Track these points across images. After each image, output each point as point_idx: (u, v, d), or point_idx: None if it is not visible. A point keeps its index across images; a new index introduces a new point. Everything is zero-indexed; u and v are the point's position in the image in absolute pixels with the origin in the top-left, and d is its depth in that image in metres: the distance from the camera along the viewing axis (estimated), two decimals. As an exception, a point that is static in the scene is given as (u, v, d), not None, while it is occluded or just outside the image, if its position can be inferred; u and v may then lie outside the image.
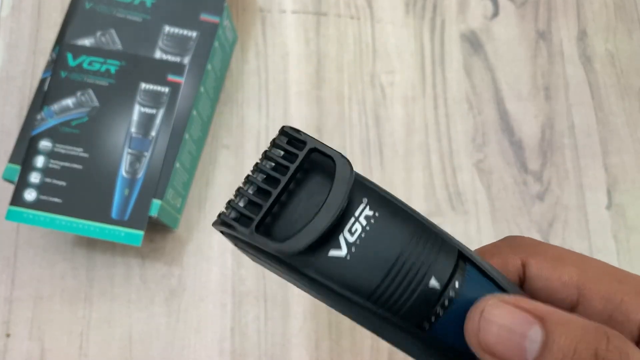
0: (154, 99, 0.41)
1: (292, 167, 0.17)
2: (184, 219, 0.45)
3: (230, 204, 0.17)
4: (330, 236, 0.16)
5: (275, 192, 0.17)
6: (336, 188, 0.16)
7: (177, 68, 0.42)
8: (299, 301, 0.43)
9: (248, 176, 0.18)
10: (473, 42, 0.51)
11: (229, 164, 0.47)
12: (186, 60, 0.42)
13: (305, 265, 0.17)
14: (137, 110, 0.41)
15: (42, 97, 0.41)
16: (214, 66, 0.45)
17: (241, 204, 0.17)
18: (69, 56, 0.42)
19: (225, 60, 0.48)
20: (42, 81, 0.42)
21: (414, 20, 0.52)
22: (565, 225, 0.46)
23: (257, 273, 0.44)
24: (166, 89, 0.42)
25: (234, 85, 0.49)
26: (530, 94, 0.50)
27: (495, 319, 0.15)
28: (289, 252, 0.16)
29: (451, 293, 0.16)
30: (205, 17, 0.43)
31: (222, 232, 0.18)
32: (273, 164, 0.18)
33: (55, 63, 0.42)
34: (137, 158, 0.40)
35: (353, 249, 0.16)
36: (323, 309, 0.43)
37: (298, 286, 0.18)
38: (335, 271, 0.16)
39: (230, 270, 0.44)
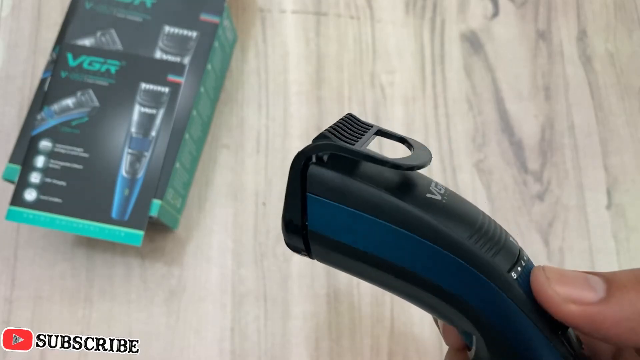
0: (154, 99, 0.41)
1: (373, 129, 0.18)
2: (184, 219, 0.45)
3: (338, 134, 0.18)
4: (423, 184, 0.17)
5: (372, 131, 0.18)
6: (418, 148, 0.18)
7: (177, 68, 0.42)
8: (299, 301, 0.44)
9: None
10: (473, 42, 0.51)
11: (229, 164, 0.47)
12: (186, 60, 0.42)
13: (407, 198, 0.17)
14: (137, 110, 0.41)
15: (42, 97, 0.41)
16: (214, 66, 0.45)
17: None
18: (69, 56, 0.42)
19: (225, 60, 0.48)
20: (42, 81, 0.42)
21: (414, 20, 0.52)
22: (565, 225, 0.46)
23: (257, 273, 0.44)
24: (166, 89, 0.42)
25: (234, 85, 0.49)
26: (530, 94, 0.50)
27: (555, 268, 0.17)
28: (405, 166, 0.16)
29: (525, 256, 0.17)
30: (205, 17, 0.43)
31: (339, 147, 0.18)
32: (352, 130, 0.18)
33: (56, 63, 0.42)
34: (137, 158, 0.40)
35: (444, 200, 0.17)
36: (323, 309, 0.43)
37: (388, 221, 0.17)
38: (435, 209, 0.17)
39: (230, 271, 0.44)
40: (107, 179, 0.40)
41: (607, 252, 0.46)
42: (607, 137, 0.49)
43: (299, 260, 0.44)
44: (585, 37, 0.52)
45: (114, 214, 0.39)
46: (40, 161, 0.40)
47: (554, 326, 0.17)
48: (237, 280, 0.44)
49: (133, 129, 0.41)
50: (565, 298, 0.16)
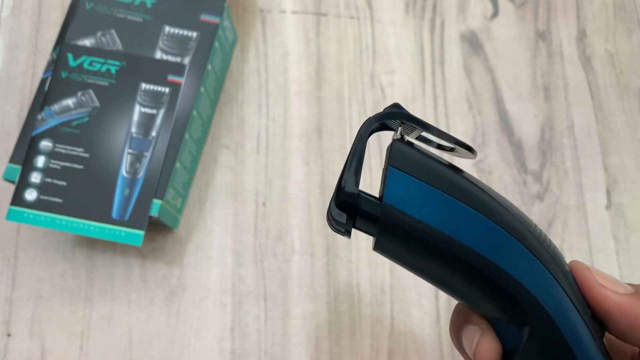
0: (155, 99, 0.41)
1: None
2: (184, 218, 0.45)
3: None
4: (481, 182, 0.19)
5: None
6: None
7: (178, 68, 0.42)
8: (299, 301, 0.44)
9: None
10: (473, 43, 0.52)
11: (229, 164, 0.47)
12: (186, 60, 0.42)
13: (480, 186, 0.18)
14: (137, 110, 0.41)
15: (43, 97, 0.41)
16: (214, 66, 0.45)
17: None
18: (70, 56, 0.42)
19: (226, 60, 0.48)
20: (43, 81, 0.42)
21: (414, 20, 0.52)
22: (564, 225, 0.46)
23: (257, 273, 0.44)
24: (166, 89, 0.42)
25: (234, 85, 0.49)
26: (530, 94, 0.50)
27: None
28: (465, 144, 0.18)
29: (567, 265, 0.18)
30: (205, 17, 0.44)
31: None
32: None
33: (56, 63, 0.42)
34: (137, 158, 0.40)
35: (502, 197, 0.19)
36: (323, 309, 0.43)
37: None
38: (501, 200, 0.19)
39: (230, 270, 0.44)
40: (107, 179, 0.40)
41: (607, 252, 0.46)
42: (607, 137, 0.49)
43: (299, 260, 0.45)
44: (584, 37, 0.52)
45: (115, 214, 0.39)
46: (40, 161, 0.40)
47: (597, 326, 0.18)
48: (237, 280, 0.44)
49: (133, 129, 0.41)
50: (604, 287, 0.18)
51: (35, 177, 0.39)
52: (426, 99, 0.50)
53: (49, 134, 0.40)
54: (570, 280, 0.18)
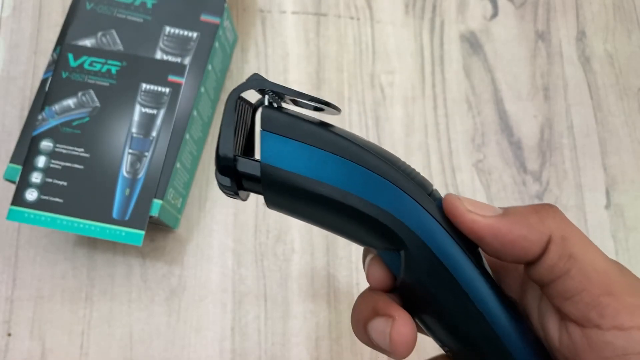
0: (155, 99, 0.42)
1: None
2: (185, 218, 0.45)
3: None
4: (349, 132, 0.21)
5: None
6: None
7: (178, 68, 0.42)
8: (299, 301, 0.44)
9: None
10: (472, 43, 0.52)
11: (229, 164, 0.47)
12: (187, 60, 0.42)
13: (342, 134, 0.20)
14: (137, 110, 0.41)
15: (43, 98, 0.41)
16: (215, 66, 0.45)
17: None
18: (70, 56, 0.42)
19: (226, 60, 0.48)
20: (43, 81, 0.42)
21: (414, 20, 0.52)
22: (564, 225, 0.46)
23: (257, 273, 0.44)
24: (167, 90, 0.42)
25: (234, 85, 0.49)
26: (530, 94, 0.50)
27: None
28: (323, 100, 0.20)
29: (438, 193, 0.21)
30: (205, 17, 0.44)
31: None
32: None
33: (57, 63, 0.42)
34: (137, 158, 0.40)
35: (371, 142, 0.21)
36: (323, 309, 0.44)
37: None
38: (367, 145, 0.20)
39: (231, 270, 0.44)
40: (108, 179, 0.40)
41: (606, 252, 0.45)
42: (606, 137, 0.49)
43: (299, 260, 0.45)
44: (584, 37, 0.52)
45: (115, 213, 0.39)
46: (41, 161, 0.40)
47: (468, 244, 0.20)
48: (237, 279, 0.44)
49: (134, 129, 0.41)
50: (472, 212, 0.19)
51: (36, 177, 0.39)
52: (426, 99, 0.50)
53: (50, 134, 0.40)
54: (438, 205, 0.20)
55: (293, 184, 0.20)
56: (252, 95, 0.22)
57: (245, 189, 0.21)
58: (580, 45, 0.52)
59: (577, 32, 0.53)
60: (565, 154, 0.49)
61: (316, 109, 0.21)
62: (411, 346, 0.19)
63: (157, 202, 0.40)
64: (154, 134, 0.41)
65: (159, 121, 0.41)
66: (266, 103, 0.21)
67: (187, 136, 0.42)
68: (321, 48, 0.51)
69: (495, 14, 0.53)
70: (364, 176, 0.19)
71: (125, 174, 0.40)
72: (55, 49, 0.43)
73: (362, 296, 0.22)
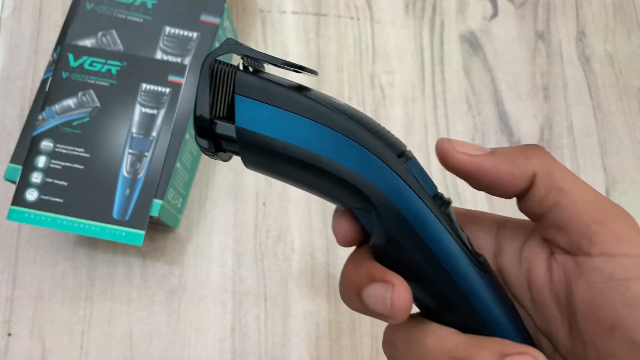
0: (155, 99, 0.42)
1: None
2: (185, 218, 0.45)
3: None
4: (325, 95, 0.22)
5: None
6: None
7: (178, 68, 0.42)
8: (299, 300, 0.44)
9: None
10: (472, 43, 0.52)
11: (229, 164, 0.47)
12: (187, 60, 0.43)
13: (314, 98, 0.21)
14: (138, 110, 0.41)
15: (44, 98, 0.41)
16: (215, 67, 0.45)
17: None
18: (70, 57, 0.42)
19: (226, 60, 0.48)
20: (44, 81, 0.43)
21: (414, 20, 0.52)
22: (564, 225, 0.46)
23: (257, 273, 0.44)
24: (167, 90, 0.42)
25: (234, 85, 0.49)
26: (529, 94, 0.50)
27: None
28: (297, 65, 0.21)
29: (412, 155, 0.21)
30: (205, 17, 0.44)
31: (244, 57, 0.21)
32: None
33: (57, 63, 0.42)
34: (138, 158, 0.40)
35: (346, 105, 0.22)
36: (323, 308, 0.44)
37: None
38: (340, 108, 0.21)
39: (231, 270, 0.44)
40: (108, 179, 0.40)
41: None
42: (606, 137, 0.49)
43: (299, 260, 0.45)
44: (584, 37, 0.52)
45: (115, 213, 0.39)
46: (41, 161, 0.40)
47: (436, 201, 0.21)
48: (237, 279, 0.44)
49: (134, 129, 0.41)
50: (460, 151, 0.21)
51: (36, 177, 0.39)
52: (426, 99, 0.50)
53: (50, 134, 0.40)
54: (406, 165, 0.20)
55: (266, 147, 0.20)
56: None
57: (224, 151, 0.22)
58: (580, 46, 0.52)
59: (577, 32, 0.53)
60: (565, 154, 0.49)
61: (296, 71, 0.22)
62: (410, 309, 0.20)
63: (157, 202, 0.40)
64: (154, 134, 0.41)
65: (159, 121, 0.41)
66: (241, 67, 0.21)
67: (187, 136, 0.42)
68: (321, 48, 0.51)
69: (495, 14, 0.53)
70: (334, 139, 0.20)
71: (125, 174, 0.40)
72: (55, 49, 0.43)
73: (351, 263, 0.22)
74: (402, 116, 0.49)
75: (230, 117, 0.21)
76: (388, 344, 0.22)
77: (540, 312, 0.21)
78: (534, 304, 0.21)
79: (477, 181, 0.21)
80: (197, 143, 0.22)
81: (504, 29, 0.52)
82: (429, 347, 0.20)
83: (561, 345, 0.21)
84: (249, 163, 0.22)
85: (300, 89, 0.21)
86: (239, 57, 0.21)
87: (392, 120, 0.49)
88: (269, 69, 0.22)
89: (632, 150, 0.49)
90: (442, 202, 0.21)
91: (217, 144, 0.22)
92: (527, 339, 0.21)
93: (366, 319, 0.43)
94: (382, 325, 0.43)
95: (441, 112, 0.49)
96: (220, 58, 0.21)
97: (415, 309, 0.22)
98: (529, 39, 0.52)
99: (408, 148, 0.22)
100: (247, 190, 0.46)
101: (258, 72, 0.22)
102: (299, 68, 0.21)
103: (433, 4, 0.53)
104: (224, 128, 0.21)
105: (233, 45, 0.21)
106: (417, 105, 0.49)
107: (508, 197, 0.21)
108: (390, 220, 0.20)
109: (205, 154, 0.22)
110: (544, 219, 0.20)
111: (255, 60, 0.21)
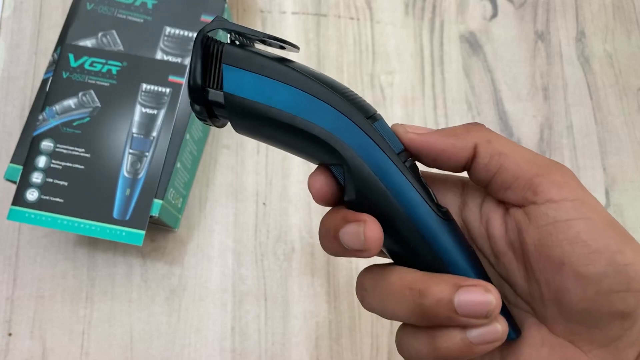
0: (155, 100, 0.42)
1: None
2: (185, 218, 0.45)
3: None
4: (302, 65, 0.24)
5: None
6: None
7: (178, 69, 0.42)
8: (299, 300, 0.44)
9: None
10: (472, 43, 0.52)
11: (230, 164, 0.47)
12: (187, 61, 0.43)
13: (292, 66, 0.24)
14: (138, 110, 0.41)
15: (44, 98, 0.41)
16: (215, 67, 0.45)
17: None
18: (71, 57, 0.42)
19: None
20: (44, 82, 0.43)
21: (414, 21, 0.52)
22: (563, 225, 0.46)
23: (257, 272, 0.44)
24: (167, 90, 0.42)
25: (234, 85, 0.49)
26: (529, 95, 0.50)
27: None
28: (280, 38, 0.24)
29: (381, 117, 0.24)
30: (205, 18, 0.44)
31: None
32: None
33: (57, 64, 0.42)
34: (138, 158, 0.41)
35: (320, 73, 0.24)
36: (323, 308, 0.44)
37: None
38: (314, 75, 0.23)
39: (231, 270, 0.44)
40: (108, 179, 0.40)
41: (606, 252, 0.46)
42: (606, 137, 0.49)
43: (299, 260, 0.45)
44: (583, 37, 0.52)
45: (116, 213, 0.39)
46: (41, 161, 0.40)
47: (401, 157, 0.23)
48: (237, 279, 0.44)
49: (134, 129, 0.41)
50: (409, 131, 0.23)
51: (37, 177, 0.40)
52: (426, 99, 0.50)
53: (50, 134, 0.40)
54: (373, 126, 0.23)
55: (251, 110, 0.23)
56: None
57: (217, 116, 0.25)
58: (579, 46, 0.52)
59: (577, 32, 0.53)
60: (565, 154, 0.49)
61: (281, 47, 0.25)
62: (380, 243, 0.22)
63: (157, 202, 0.40)
64: (154, 134, 0.41)
65: (159, 121, 0.41)
66: (228, 41, 0.24)
67: (188, 136, 0.42)
68: (321, 48, 0.51)
69: (494, 15, 0.53)
70: (309, 101, 0.23)
71: (125, 174, 0.40)
72: (55, 49, 0.43)
73: (328, 213, 0.25)
74: (402, 116, 0.49)
75: (219, 85, 0.24)
76: (359, 286, 0.24)
77: (500, 261, 0.24)
78: (494, 254, 0.24)
79: (426, 157, 0.23)
80: (192, 109, 0.24)
81: (504, 29, 0.52)
82: (391, 282, 0.22)
83: (520, 289, 0.23)
84: (237, 126, 0.24)
85: (282, 60, 0.24)
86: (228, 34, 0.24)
87: (392, 120, 0.49)
88: (261, 47, 0.25)
89: (632, 150, 0.49)
90: (406, 158, 0.23)
91: (209, 110, 0.24)
92: (484, 278, 0.23)
93: (366, 319, 0.43)
94: (381, 325, 0.44)
95: (441, 112, 0.49)
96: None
97: (385, 261, 0.25)
98: (528, 39, 0.52)
99: (378, 112, 0.24)
100: (247, 190, 0.46)
101: (245, 46, 0.24)
102: (281, 42, 0.24)
103: (433, 5, 0.53)
104: (214, 95, 0.24)
105: (220, 22, 0.24)
106: (417, 106, 0.49)
107: (457, 170, 0.24)
108: (359, 172, 0.23)
109: (200, 119, 0.25)
110: (492, 182, 0.23)
111: (242, 35, 0.24)
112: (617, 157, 0.49)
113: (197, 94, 0.24)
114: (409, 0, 0.53)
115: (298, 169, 0.47)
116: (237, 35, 0.24)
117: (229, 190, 0.46)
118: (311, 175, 0.24)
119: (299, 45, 0.51)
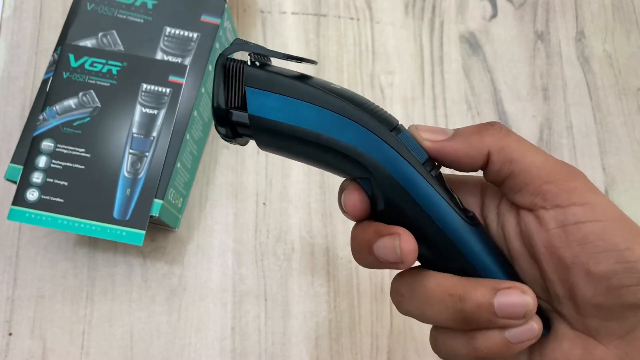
0: (155, 100, 0.42)
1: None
2: (185, 218, 0.45)
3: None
4: (323, 81, 0.25)
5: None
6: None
7: (178, 69, 0.42)
8: (299, 300, 0.44)
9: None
10: (472, 43, 0.52)
11: (230, 164, 0.47)
12: (187, 61, 0.43)
13: (314, 85, 0.24)
14: (138, 110, 0.41)
15: (44, 98, 0.41)
16: (215, 67, 0.45)
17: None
18: (71, 57, 0.42)
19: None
20: (44, 82, 0.43)
21: (413, 21, 0.52)
22: (563, 224, 0.46)
23: (257, 272, 0.44)
24: (167, 90, 0.42)
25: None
26: (529, 95, 0.51)
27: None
28: (299, 57, 0.24)
29: (403, 127, 0.24)
30: (205, 18, 0.44)
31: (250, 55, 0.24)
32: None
33: (57, 64, 0.42)
34: (138, 158, 0.41)
35: (341, 88, 0.25)
36: (323, 308, 0.44)
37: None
38: (337, 92, 0.24)
39: (231, 270, 0.44)
40: (108, 179, 0.40)
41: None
42: (605, 138, 0.49)
43: (299, 260, 0.45)
44: (583, 37, 0.53)
45: (116, 213, 0.39)
46: (42, 161, 0.40)
47: (426, 166, 0.23)
48: (237, 279, 0.44)
49: (134, 129, 0.41)
50: (425, 138, 0.24)
51: (37, 177, 0.40)
52: (425, 99, 0.50)
53: (51, 134, 0.40)
54: (397, 138, 0.23)
55: (276, 130, 0.24)
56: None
57: (241, 136, 0.25)
58: (579, 46, 0.52)
59: (577, 32, 0.53)
60: (565, 154, 0.49)
61: (297, 62, 0.25)
62: (416, 255, 0.23)
63: (157, 202, 0.40)
64: (154, 134, 0.41)
65: (159, 121, 0.41)
66: (249, 63, 0.24)
67: (188, 136, 0.42)
68: (321, 48, 0.51)
69: (494, 15, 0.53)
70: (332, 118, 0.23)
71: (126, 174, 0.40)
72: (56, 50, 0.43)
73: (358, 227, 0.25)
74: (402, 116, 0.49)
75: (243, 106, 0.24)
76: (395, 292, 0.25)
77: (517, 260, 0.24)
78: (510, 254, 0.25)
79: (442, 162, 0.24)
80: (217, 131, 0.25)
81: (504, 29, 0.52)
82: (430, 289, 0.23)
83: (538, 287, 0.24)
84: (262, 144, 0.25)
85: (302, 77, 0.24)
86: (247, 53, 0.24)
87: (392, 120, 0.49)
88: (275, 61, 0.25)
89: (632, 150, 0.49)
90: (432, 167, 0.24)
91: (234, 131, 0.25)
92: (516, 279, 0.24)
93: (366, 319, 0.44)
94: (381, 325, 0.44)
95: (441, 113, 0.49)
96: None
97: (415, 264, 0.25)
98: (528, 39, 0.52)
99: (400, 122, 0.24)
100: (247, 190, 0.46)
101: (264, 65, 0.25)
102: (299, 59, 0.24)
103: (433, 5, 0.53)
104: (238, 116, 0.24)
105: (241, 44, 0.24)
106: (417, 106, 0.50)
107: (472, 171, 0.25)
108: (386, 185, 0.23)
109: (225, 140, 0.25)
110: (504, 186, 0.24)
111: (261, 55, 0.24)
112: (617, 157, 0.49)
113: (222, 117, 0.24)
114: (408, 0, 0.53)
115: (298, 169, 0.47)
116: (256, 55, 0.25)
117: (229, 190, 0.46)
118: (345, 194, 0.25)
119: (299, 46, 0.51)
